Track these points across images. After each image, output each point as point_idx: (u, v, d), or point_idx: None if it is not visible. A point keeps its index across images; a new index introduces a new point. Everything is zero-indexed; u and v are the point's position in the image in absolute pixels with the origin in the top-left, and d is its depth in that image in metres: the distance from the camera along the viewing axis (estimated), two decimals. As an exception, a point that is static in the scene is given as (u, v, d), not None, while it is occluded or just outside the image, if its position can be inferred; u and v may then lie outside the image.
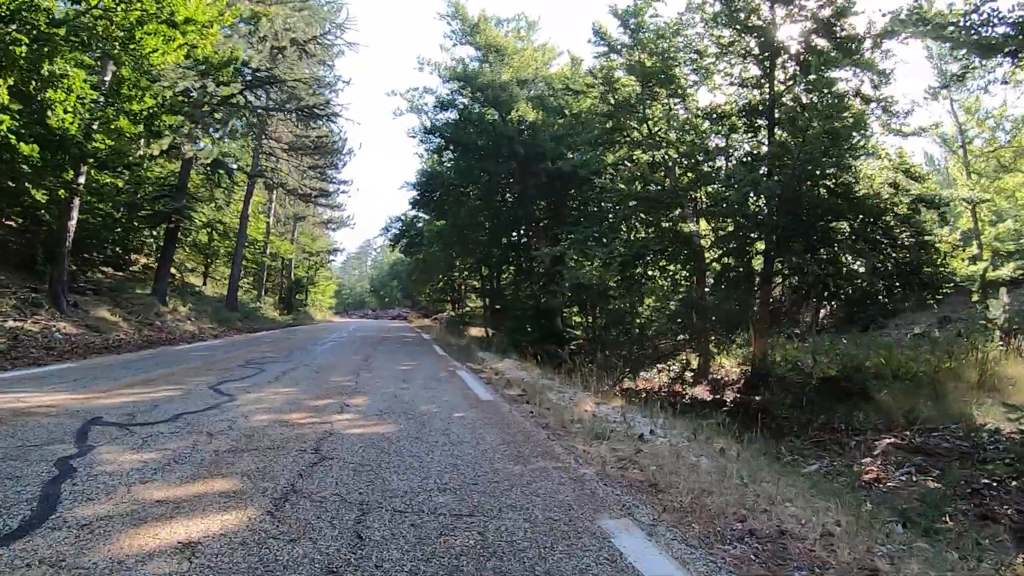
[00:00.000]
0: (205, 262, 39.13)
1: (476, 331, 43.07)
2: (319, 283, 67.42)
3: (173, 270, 32.01)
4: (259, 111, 28.52)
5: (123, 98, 15.50)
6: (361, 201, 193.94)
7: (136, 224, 25.81)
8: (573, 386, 11.74)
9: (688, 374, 21.29)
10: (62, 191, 16.64)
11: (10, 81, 11.52)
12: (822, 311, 29.66)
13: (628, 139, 22.25)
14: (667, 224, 20.36)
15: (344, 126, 35.67)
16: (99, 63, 15.82)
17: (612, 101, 21.08)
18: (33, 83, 12.35)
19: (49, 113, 12.97)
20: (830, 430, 13.28)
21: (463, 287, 58.10)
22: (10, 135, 12.04)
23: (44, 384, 8.49)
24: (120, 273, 26.74)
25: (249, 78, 25.54)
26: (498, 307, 36.86)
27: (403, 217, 43.29)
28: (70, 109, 13.09)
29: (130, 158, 17.83)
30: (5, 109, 11.68)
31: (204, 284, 38.06)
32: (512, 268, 34.72)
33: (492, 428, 6.73)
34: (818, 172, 16.67)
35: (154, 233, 28.03)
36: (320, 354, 15.71)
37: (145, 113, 15.49)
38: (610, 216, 23.20)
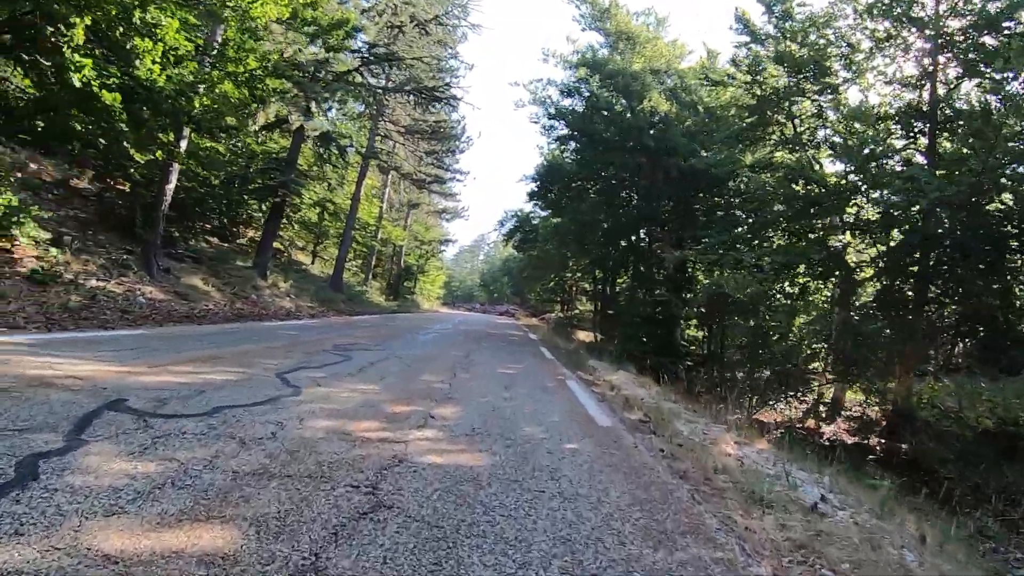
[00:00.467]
0: (314, 241, 38.71)
1: (584, 335, 41.58)
2: (429, 272, 67.02)
3: (279, 246, 31.75)
4: (376, 91, 27.48)
5: (227, 60, 14.51)
6: (477, 193, 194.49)
7: (244, 196, 25.12)
8: (701, 413, 9.91)
9: (821, 408, 19.00)
10: (159, 152, 15.81)
11: (87, 20, 10.47)
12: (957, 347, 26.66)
13: (771, 137, 20.02)
14: (814, 235, 18.12)
15: (463, 112, 34.14)
16: (206, 24, 14.91)
17: (757, 93, 19.01)
18: (120, 28, 11.31)
19: (137, 63, 11.93)
20: (1010, 501, 10.87)
21: (574, 289, 56.90)
22: (93, 82, 11.01)
23: (94, 350, 7.48)
24: (226, 244, 26.42)
25: (366, 54, 24.54)
26: (610, 312, 35.02)
27: (519, 212, 42.14)
28: (158, 60, 12.05)
29: (229, 120, 16.72)
30: (87, 54, 10.67)
31: (312, 263, 37.72)
32: (629, 272, 32.69)
33: (616, 474, 4.99)
34: (1011, 183, 14.16)
35: (263, 207, 27.38)
36: (417, 345, 14.41)
37: (246, 75, 14.37)
38: (747, 222, 20.96)
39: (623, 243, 31.12)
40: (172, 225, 19.95)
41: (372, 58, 24.91)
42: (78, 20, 10.29)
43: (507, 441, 5.55)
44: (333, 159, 27.19)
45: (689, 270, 26.09)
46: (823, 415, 18.22)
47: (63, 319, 10.12)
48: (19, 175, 14.52)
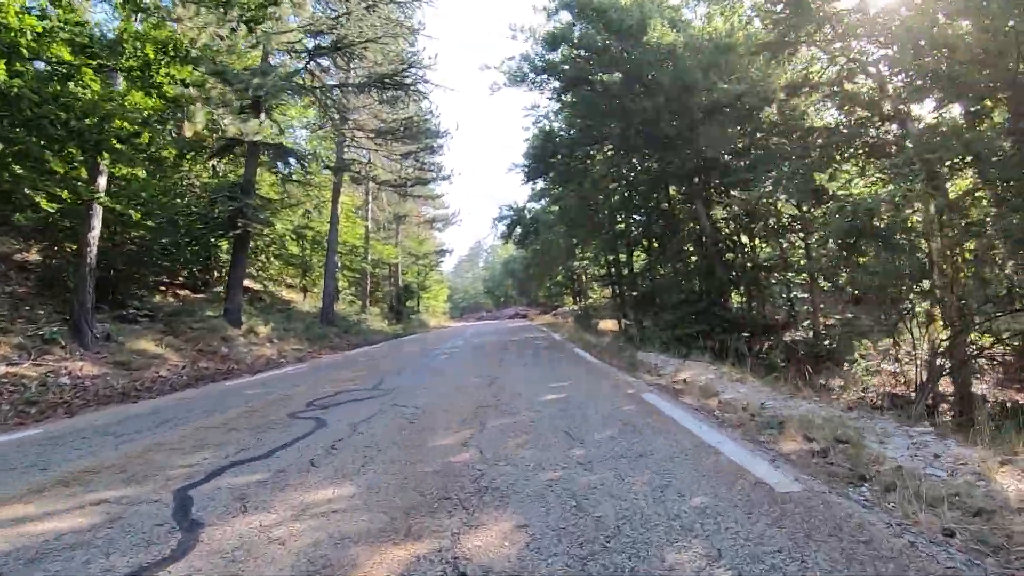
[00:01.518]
0: (300, 275, 35.31)
1: (609, 324, 38.38)
2: (430, 288, 63.42)
3: (256, 286, 28.60)
4: (330, 91, 24.13)
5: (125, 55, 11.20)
6: (467, 197, 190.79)
7: (197, 236, 21.75)
8: (883, 416, 6.52)
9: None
10: (66, 192, 12.53)
11: None
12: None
13: (809, 42, 16.45)
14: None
15: (436, 102, 30.59)
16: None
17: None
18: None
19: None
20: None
21: (585, 277, 53.83)
22: None
23: None
24: (199, 294, 23.09)
25: (310, 47, 21.28)
26: (634, 294, 31.61)
27: (514, 205, 38.88)
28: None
29: (144, 138, 13.30)
30: None
31: (304, 299, 34.35)
32: (654, 245, 29.04)
33: None
34: None
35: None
36: (425, 379, 10.99)
37: (140, 65, 11.03)
38: (793, 155, 17.32)
39: (643, 212, 27.57)
40: (121, 282, 16.84)
41: (317, 51, 21.55)
42: None
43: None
44: (296, 175, 23.79)
45: (732, 227, 22.67)
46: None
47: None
48: None
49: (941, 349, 11.10)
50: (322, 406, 8.07)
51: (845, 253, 13.81)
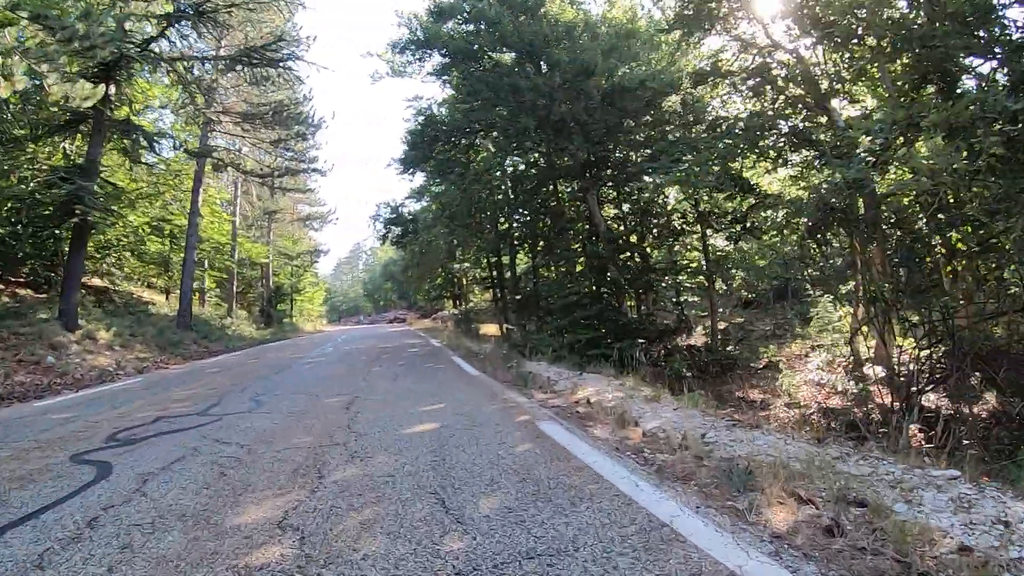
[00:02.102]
0: (159, 273, 32.23)
1: (491, 328, 36.76)
2: (304, 290, 60.16)
3: (105, 284, 25.58)
4: (193, 66, 21.65)
5: None
6: (346, 199, 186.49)
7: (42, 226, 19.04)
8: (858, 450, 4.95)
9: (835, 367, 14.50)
10: None
11: None
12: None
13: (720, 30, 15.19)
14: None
15: (311, 90, 27.80)
16: None
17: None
18: None
19: None
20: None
21: (465, 280, 52.33)
22: None
23: None
24: (44, 294, 20.40)
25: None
26: (518, 297, 30.13)
27: (392, 203, 36.80)
28: None
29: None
30: None
31: (167, 299, 31.36)
32: (541, 245, 27.42)
33: None
34: None
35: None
36: (269, 399, 9.04)
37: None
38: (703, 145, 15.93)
39: (528, 209, 25.98)
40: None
41: (177, 15, 18.94)
42: None
43: None
44: (149, 159, 21.11)
45: (625, 226, 21.34)
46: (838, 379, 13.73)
47: None
48: None
49: (919, 357, 9.74)
50: (126, 441, 6.00)
51: (812, 242, 12.45)
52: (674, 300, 22.18)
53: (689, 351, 18.48)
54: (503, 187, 26.65)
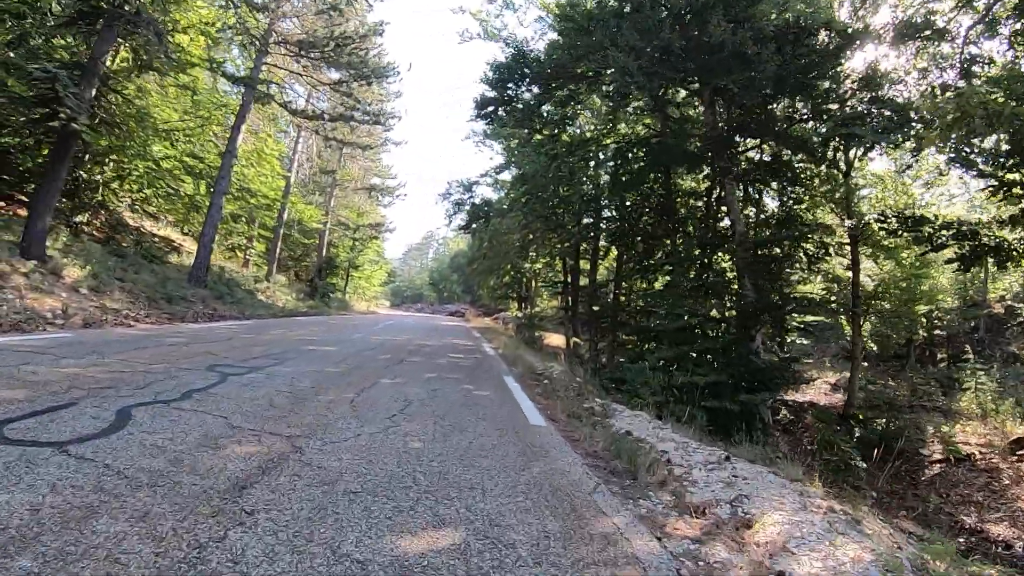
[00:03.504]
0: (183, 215, 28.27)
1: (553, 339, 32.23)
2: (363, 266, 55.93)
3: (135, 223, 22.00)
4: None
5: None
6: (419, 182, 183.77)
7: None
8: None
9: None
10: None
11: None
12: None
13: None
14: None
15: (381, 20, 22.76)
16: None
17: None
18: None
19: None
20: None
21: (534, 283, 48.59)
22: None
23: None
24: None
25: None
26: (596, 308, 25.50)
27: (464, 181, 32.42)
28: None
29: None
30: None
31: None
32: (637, 248, 22.26)
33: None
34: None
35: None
36: (144, 426, 4.45)
37: None
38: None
39: (631, 199, 20.95)
40: None
41: None
42: None
43: None
44: (158, 57, 16.75)
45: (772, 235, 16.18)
46: None
47: None
48: None
49: None
50: None
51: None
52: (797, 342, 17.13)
53: (819, 416, 13.49)
54: (598, 170, 21.88)
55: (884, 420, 13.94)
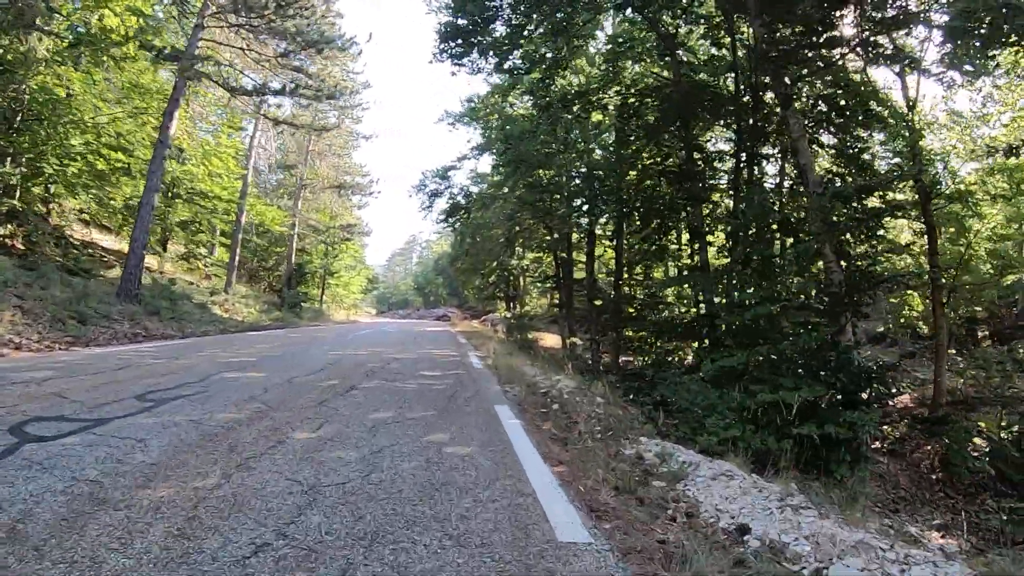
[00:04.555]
0: (123, 222, 24.97)
1: (547, 340, 29.10)
2: (339, 273, 52.14)
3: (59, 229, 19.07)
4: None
5: None
6: (398, 185, 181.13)
7: None
8: None
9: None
10: None
11: None
12: None
13: None
14: None
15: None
16: None
17: None
18: None
19: None
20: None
21: (522, 280, 47.19)
22: None
23: None
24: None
25: None
26: (598, 303, 22.29)
27: (440, 169, 29.40)
28: None
29: None
30: None
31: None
32: (651, 222, 18.54)
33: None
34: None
35: None
36: None
37: None
38: None
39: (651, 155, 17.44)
40: None
41: None
42: None
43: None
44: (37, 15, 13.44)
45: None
46: None
47: None
48: None
49: None
50: None
51: None
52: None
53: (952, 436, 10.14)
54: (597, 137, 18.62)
55: (1001, 422, 10.70)
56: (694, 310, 17.12)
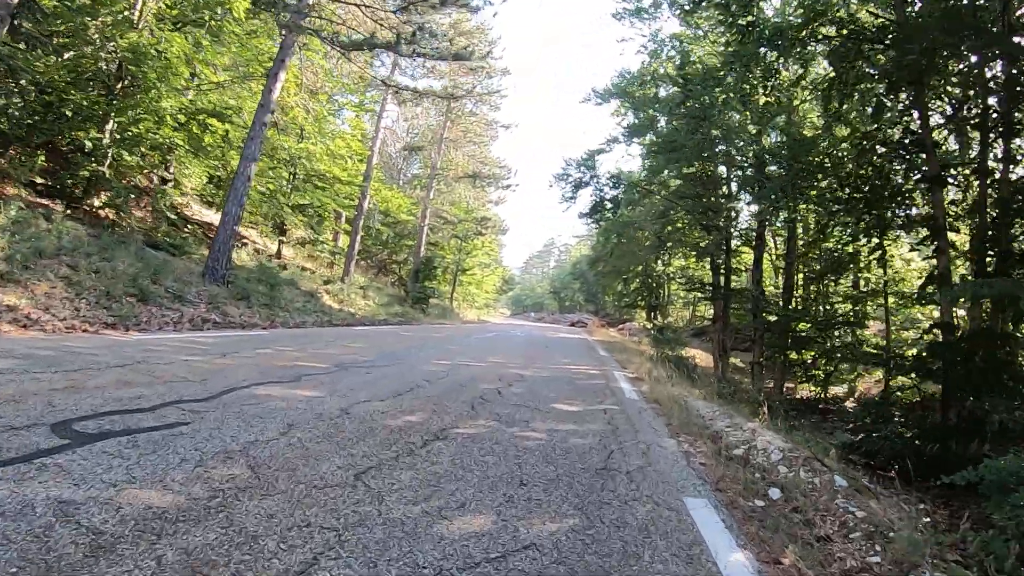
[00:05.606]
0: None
1: (698, 355, 25.37)
2: (472, 270, 49.55)
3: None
4: None
5: None
6: (533, 201, 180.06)
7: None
8: None
9: None
10: None
11: None
12: None
13: None
14: None
15: None
16: None
17: None
18: None
19: None
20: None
21: (667, 289, 42.92)
22: None
23: None
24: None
25: None
26: (772, 317, 18.57)
27: (585, 156, 25.90)
28: None
29: None
30: None
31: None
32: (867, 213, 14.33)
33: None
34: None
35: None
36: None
37: None
38: None
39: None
40: None
41: None
42: None
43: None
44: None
45: None
46: None
47: None
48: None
49: None
50: None
51: None
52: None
53: None
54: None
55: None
56: (907, 334, 12.97)
